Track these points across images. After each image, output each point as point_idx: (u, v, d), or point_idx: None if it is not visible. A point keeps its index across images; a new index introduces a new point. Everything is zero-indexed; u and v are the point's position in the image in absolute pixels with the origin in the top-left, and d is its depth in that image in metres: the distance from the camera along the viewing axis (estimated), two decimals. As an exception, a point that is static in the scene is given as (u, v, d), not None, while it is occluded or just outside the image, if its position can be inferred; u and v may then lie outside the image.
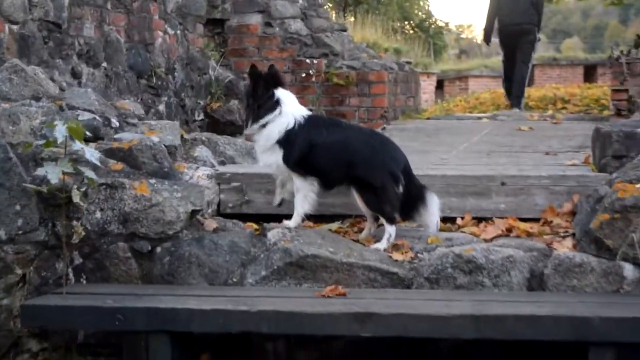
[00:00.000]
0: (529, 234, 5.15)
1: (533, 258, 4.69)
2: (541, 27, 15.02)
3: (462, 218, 5.49)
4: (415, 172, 5.42)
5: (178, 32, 10.26)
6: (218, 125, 10.66)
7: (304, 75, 11.02)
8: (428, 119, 11.87)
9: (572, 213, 5.29)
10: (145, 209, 4.93)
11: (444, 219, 5.48)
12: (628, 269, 4.56)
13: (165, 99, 9.80)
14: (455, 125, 10.72)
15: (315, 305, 4.31)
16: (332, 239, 5.02)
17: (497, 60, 32.99)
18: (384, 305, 4.29)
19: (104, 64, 8.78)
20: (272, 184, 5.61)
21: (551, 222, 5.31)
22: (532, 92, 16.02)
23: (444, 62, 47.08)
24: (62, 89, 6.93)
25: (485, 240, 5.08)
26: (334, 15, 32.67)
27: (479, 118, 11.77)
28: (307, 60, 11.04)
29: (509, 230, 5.27)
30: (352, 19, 27.73)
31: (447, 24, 52.04)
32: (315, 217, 5.62)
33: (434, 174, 5.64)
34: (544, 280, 4.61)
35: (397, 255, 4.90)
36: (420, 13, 50.13)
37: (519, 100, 13.86)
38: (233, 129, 10.84)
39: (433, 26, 48.54)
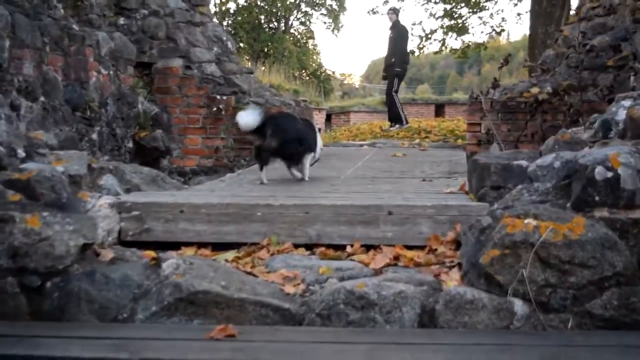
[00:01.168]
0: (417, 264, 3.88)
1: (424, 293, 3.38)
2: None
3: (352, 245, 4.19)
4: (307, 201, 4.35)
5: (111, 72, 8.92)
6: (144, 150, 9.35)
7: (216, 109, 9.67)
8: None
9: (455, 241, 4.04)
10: (35, 242, 3.50)
11: (335, 247, 4.21)
12: (518, 305, 3.28)
13: (98, 128, 8.50)
14: (342, 152, 9.43)
15: (201, 352, 2.96)
16: (225, 271, 3.65)
17: (371, 99, 32.17)
18: (273, 351, 2.95)
19: (42, 98, 7.51)
20: (170, 213, 4.28)
21: (436, 250, 4.04)
22: (400, 124, 15.09)
23: (331, 101, 46.42)
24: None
25: (375, 271, 3.79)
26: (249, 63, 31.45)
27: (361, 145, 10.53)
28: (220, 97, 9.69)
29: (397, 258, 3.99)
30: (263, 67, 26.41)
31: (333, 72, 51.25)
32: (214, 245, 4.30)
33: (325, 204, 4.31)
34: (435, 316, 3.31)
35: (289, 288, 3.57)
36: (313, 64, 49.30)
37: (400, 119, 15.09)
38: (157, 154, 9.53)
39: (323, 74, 47.86)
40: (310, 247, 4.23)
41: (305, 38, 49.29)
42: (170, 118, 9.74)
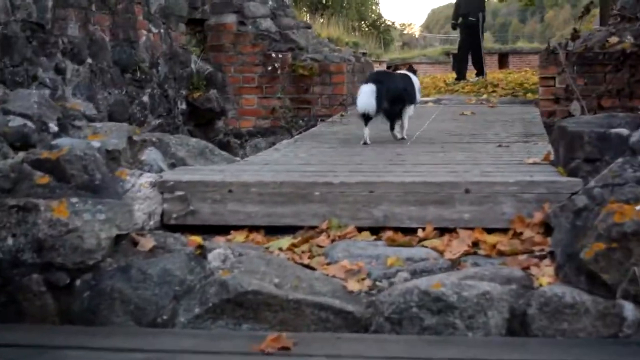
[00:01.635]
0: (500, 252, 3.32)
1: (512, 293, 2.84)
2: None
3: (423, 229, 3.66)
4: (371, 177, 3.86)
5: (161, 30, 8.45)
6: (198, 112, 8.95)
7: (272, 67, 9.14)
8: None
9: (544, 224, 3.47)
10: (62, 235, 3.07)
11: (404, 230, 3.68)
12: (629, 309, 2.72)
13: (149, 90, 8.09)
14: None
15: (250, 372, 2.49)
16: (279, 264, 3.15)
17: (432, 50, 31.28)
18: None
19: (89, 60, 7.10)
20: (218, 193, 3.79)
21: (521, 234, 3.47)
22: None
23: (391, 53, 45.49)
24: (43, 84, 6.00)
25: (451, 261, 3.25)
26: (307, 15, 30.85)
27: (425, 102, 9.87)
28: (276, 54, 9.16)
29: (476, 244, 3.45)
30: (321, 20, 25.69)
31: (393, 22, 50.16)
32: (266, 229, 3.81)
33: (392, 181, 3.76)
34: (527, 322, 2.78)
35: (352, 285, 3.06)
36: (372, 15, 48.31)
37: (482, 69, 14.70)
38: (212, 115, 9.10)
39: (383, 25, 46.84)
40: (376, 230, 3.70)
41: (364, -14, 48.11)
42: (225, 77, 9.25)
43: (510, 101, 9.82)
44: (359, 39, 24.47)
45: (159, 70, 8.32)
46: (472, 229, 3.59)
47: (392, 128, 6.20)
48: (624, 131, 3.56)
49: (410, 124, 6.34)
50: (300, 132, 8.69)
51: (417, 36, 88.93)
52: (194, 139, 4.80)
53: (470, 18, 14.60)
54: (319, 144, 5.90)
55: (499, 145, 5.33)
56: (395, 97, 5.95)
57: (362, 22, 45.92)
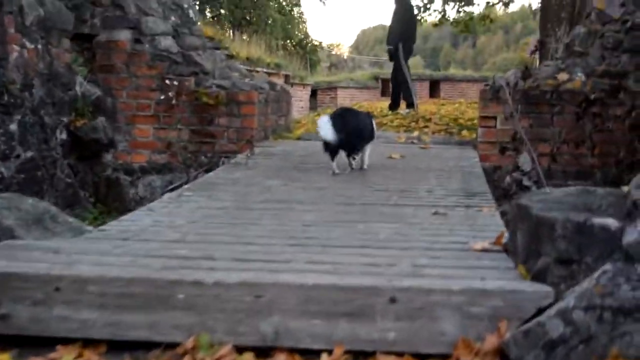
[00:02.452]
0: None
1: None
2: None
3: (330, 352, 2.67)
4: (260, 274, 2.86)
5: (39, 46, 7.33)
6: (82, 143, 7.83)
7: (172, 93, 8.10)
8: (299, 139, 9.00)
9: (499, 352, 2.53)
10: None
11: (304, 353, 2.68)
12: None
13: (19, 117, 6.92)
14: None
15: None
16: None
17: (360, 73, 30.60)
18: None
19: (-63, 82, 5.94)
20: (41, 290, 2.74)
21: (467, 366, 2.53)
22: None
23: (318, 74, 44.87)
24: None
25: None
26: (230, 32, 30.03)
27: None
28: (176, 79, 8.12)
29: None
30: (245, 37, 24.65)
31: (320, 42, 49.44)
32: (109, 344, 2.76)
33: (288, 282, 2.74)
34: None
35: None
36: (299, 34, 47.67)
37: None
38: (98, 147, 8.01)
39: (310, 44, 46.21)
40: (263, 352, 2.69)
41: (290, 5, 47.43)
42: (116, 103, 8.16)
43: (444, 141, 8.96)
44: (282, 60, 23.52)
45: (33, 93, 7.18)
46: (399, 354, 2.62)
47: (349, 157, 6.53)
48: (612, 223, 2.63)
49: (323, 173, 5.38)
50: (200, 173, 7.69)
51: (345, 57, 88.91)
52: (30, 201, 3.67)
53: (389, 47, 14.04)
54: (209, 201, 4.85)
55: (435, 213, 4.38)
56: (357, 136, 6.48)
57: (288, 41, 45.18)
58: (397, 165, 6.72)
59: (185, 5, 8.81)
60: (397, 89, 14.22)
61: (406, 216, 4.29)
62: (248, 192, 5.19)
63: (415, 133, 9.43)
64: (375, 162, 6.83)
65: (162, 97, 8.13)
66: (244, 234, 3.73)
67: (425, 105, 14.02)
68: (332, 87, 28.52)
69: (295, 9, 47.58)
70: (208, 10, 44.62)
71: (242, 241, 3.52)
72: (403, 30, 13.86)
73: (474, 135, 9.95)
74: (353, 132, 6.37)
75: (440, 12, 19.26)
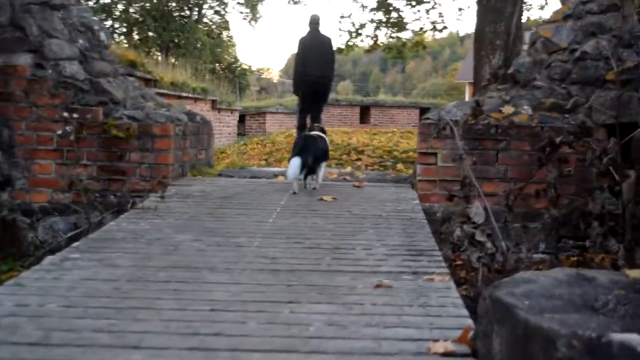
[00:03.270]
0: None
1: None
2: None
3: None
4: None
5: None
6: (-28, 182, 6.83)
7: (77, 125, 7.18)
8: (220, 174, 8.13)
9: None
10: None
11: None
12: None
13: None
14: (248, 191, 6.94)
15: None
16: None
17: (290, 99, 29.84)
18: None
19: None
20: None
21: None
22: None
23: (247, 98, 44.09)
24: None
25: None
26: (158, 54, 29.16)
27: (275, 175, 8.11)
28: (83, 108, 7.19)
29: None
30: (173, 60, 23.62)
31: (250, 66, 48.66)
32: None
33: None
34: None
35: None
36: (228, 57, 46.83)
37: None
38: (-10, 186, 7.03)
39: (239, 68, 45.42)
40: None
41: (219, 29, 46.55)
42: (13, 135, 7.21)
43: (379, 177, 8.20)
44: (208, 85, 22.59)
45: None
46: None
47: (305, 179, 7.09)
48: (636, 340, 1.84)
49: (243, 225, 4.55)
50: (105, 217, 6.77)
51: (275, 81, 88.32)
52: None
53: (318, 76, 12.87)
54: (100, 268, 3.93)
55: (378, 286, 3.56)
56: (315, 158, 7.04)
57: (217, 65, 44.27)
58: (329, 210, 5.91)
59: (96, 27, 7.87)
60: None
61: (342, 290, 3.45)
62: (150, 253, 4.28)
63: (348, 168, 8.63)
64: (305, 206, 6.01)
65: (67, 129, 7.19)
66: (130, 328, 2.83)
67: (356, 134, 13.23)
68: (260, 113, 27.74)
69: (225, 33, 46.72)
70: (136, 32, 43.52)
71: (124, 344, 2.62)
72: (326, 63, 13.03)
73: (410, 171, 9.24)
74: (313, 156, 6.98)
75: (372, 38, 18.60)
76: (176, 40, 42.01)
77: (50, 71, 7.27)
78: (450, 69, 77.27)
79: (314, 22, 13.29)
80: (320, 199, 6.41)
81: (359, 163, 9.79)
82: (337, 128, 24.59)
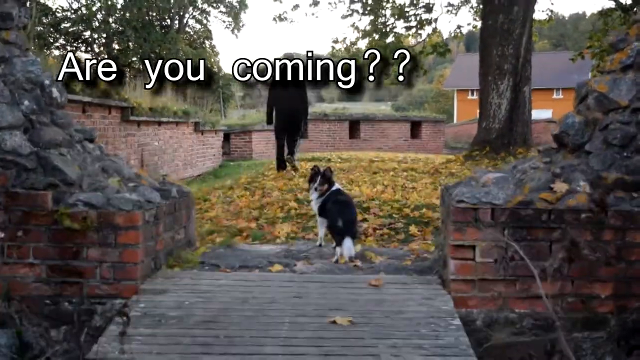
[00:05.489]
0: None
1: None
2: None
3: None
4: None
5: None
6: None
7: (21, 214, 5.60)
8: (202, 263, 6.54)
9: None
10: None
11: None
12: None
13: None
14: (239, 302, 5.31)
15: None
16: None
17: (276, 114, 28.32)
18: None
19: None
20: None
21: None
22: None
23: (232, 109, 42.61)
24: None
25: None
26: (138, 66, 27.64)
27: (271, 263, 6.52)
28: (27, 193, 5.61)
29: None
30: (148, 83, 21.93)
31: (233, 76, 47.05)
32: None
33: None
34: None
35: None
36: (212, 67, 45.24)
37: (293, 154, 14.68)
38: None
39: (222, 78, 43.84)
40: None
41: (201, 38, 44.92)
42: (-61, 228, 5.63)
43: (397, 263, 6.65)
44: (190, 107, 21.00)
45: None
46: None
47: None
48: None
49: None
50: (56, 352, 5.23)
51: (259, 87, 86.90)
52: None
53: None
54: None
55: None
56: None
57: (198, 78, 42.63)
58: (345, 348, 4.37)
59: (47, 82, 6.30)
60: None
61: None
62: None
63: (357, 246, 7.09)
64: (312, 339, 4.48)
65: (8, 220, 5.61)
66: None
67: (359, 185, 11.59)
68: (246, 131, 26.29)
69: (207, 42, 45.11)
70: (115, 42, 41.81)
71: None
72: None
73: (427, 239, 7.76)
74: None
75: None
76: (157, 51, 40.37)
77: (-15, 146, 5.69)
78: (436, 75, 75.63)
79: (288, 60, 14.63)
80: (333, 322, 4.85)
81: (365, 225, 8.26)
82: (327, 153, 23.07)
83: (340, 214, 6.75)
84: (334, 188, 7.09)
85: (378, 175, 13.10)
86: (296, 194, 10.26)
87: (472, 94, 61.20)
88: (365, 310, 5.16)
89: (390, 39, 16.83)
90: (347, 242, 6.61)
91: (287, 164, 14.56)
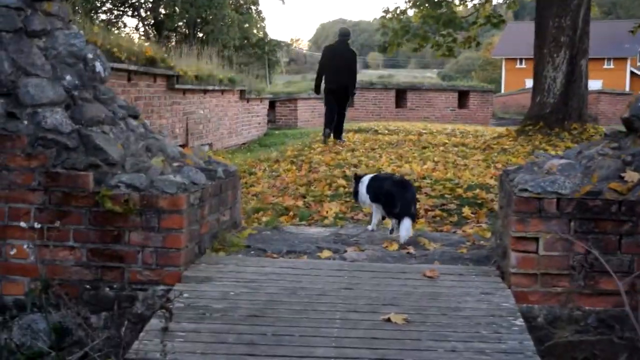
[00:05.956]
0: None
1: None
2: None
3: None
4: None
5: None
6: None
7: (62, 194, 5.36)
8: (248, 247, 6.26)
9: None
10: None
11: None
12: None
13: None
14: (288, 294, 5.00)
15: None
16: None
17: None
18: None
19: None
20: None
21: None
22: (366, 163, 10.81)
23: (276, 73, 42.32)
24: None
25: None
26: (185, 33, 27.47)
27: (319, 249, 6.22)
28: (67, 173, 5.36)
29: None
30: (194, 49, 21.67)
31: (279, 42, 46.67)
32: None
33: None
34: None
35: None
36: (259, 32, 44.90)
37: (341, 134, 15.85)
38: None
39: (267, 45, 43.47)
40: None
41: (248, 3, 44.49)
42: (-23, 208, 5.42)
43: (452, 251, 6.30)
44: (236, 74, 20.71)
45: None
46: None
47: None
48: None
49: None
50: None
51: (305, 52, 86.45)
52: None
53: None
54: None
55: None
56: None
57: (246, 41, 42.34)
58: (403, 351, 4.06)
59: (90, 56, 6.03)
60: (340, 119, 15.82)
61: None
62: None
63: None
64: (365, 340, 4.18)
65: (48, 201, 5.37)
66: None
67: (410, 161, 11.22)
68: (291, 99, 25.94)
69: (253, 7, 44.67)
70: (162, 7, 41.58)
71: None
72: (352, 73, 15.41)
73: (481, 221, 7.41)
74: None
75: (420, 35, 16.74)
76: (203, 16, 40.10)
77: (25, 123, 5.44)
78: (485, 43, 74.02)
79: (343, 35, 15.68)
80: (387, 320, 4.54)
81: (417, 206, 7.91)
82: (374, 123, 22.67)
83: (397, 196, 6.46)
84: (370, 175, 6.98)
85: (428, 150, 12.70)
86: (344, 170, 9.93)
87: (521, 63, 60.10)
88: (420, 305, 4.83)
89: (442, 9, 16.29)
90: (406, 222, 6.33)
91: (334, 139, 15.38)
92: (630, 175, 5.29)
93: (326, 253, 6.06)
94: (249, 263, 5.73)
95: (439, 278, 5.43)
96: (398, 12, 17.36)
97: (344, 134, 16.24)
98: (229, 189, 6.56)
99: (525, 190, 5.22)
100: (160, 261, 5.35)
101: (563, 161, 5.65)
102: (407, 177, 9.05)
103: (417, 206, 8.00)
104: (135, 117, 6.34)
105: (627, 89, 54.13)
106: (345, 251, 6.15)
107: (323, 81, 15.81)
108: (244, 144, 21.07)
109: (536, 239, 5.20)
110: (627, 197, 5.17)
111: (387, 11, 17.28)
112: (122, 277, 5.39)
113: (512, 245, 5.24)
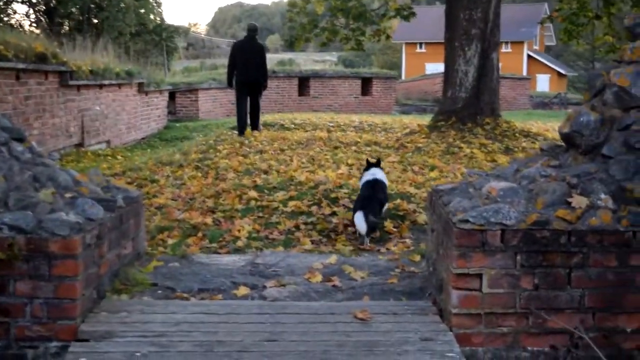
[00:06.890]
0: None
1: None
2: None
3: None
4: None
5: None
6: None
7: None
8: (155, 285, 5.50)
9: None
10: None
11: None
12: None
13: None
14: (200, 345, 4.32)
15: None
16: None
17: (223, 71, 27.16)
18: None
19: None
20: None
21: None
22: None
23: (175, 62, 41.15)
24: None
25: None
26: (77, 40, 26.14)
27: (235, 285, 5.51)
28: (-62, 215, 4.55)
29: None
30: (89, 39, 20.47)
31: (177, 28, 45.40)
32: None
33: None
34: None
35: None
36: (156, 18, 43.52)
37: (258, 124, 16.36)
38: None
39: (165, 31, 42.19)
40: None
41: (144, -11, 43.01)
42: None
43: (382, 283, 5.71)
44: (133, 67, 19.70)
45: None
46: None
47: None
48: None
49: None
50: None
51: (203, 36, 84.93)
52: None
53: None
54: None
55: None
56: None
57: (142, 27, 40.93)
58: None
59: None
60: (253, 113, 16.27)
61: None
62: None
63: (332, 257, 6.17)
64: None
65: None
66: None
67: (323, 165, 10.56)
68: (192, 89, 25.04)
69: (149, -7, 43.25)
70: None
71: None
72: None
73: (400, 228, 6.89)
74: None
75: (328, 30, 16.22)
76: (98, 2, 38.54)
77: None
78: (383, 26, 73.68)
79: (252, 30, 16.19)
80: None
81: (335, 220, 7.36)
82: (278, 115, 22.05)
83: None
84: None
85: (340, 150, 12.08)
86: (255, 180, 9.22)
87: (421, 47, 60.30)
88: (354, 352, 4.22)
89: (352, 2, 15.74)
90: (356, 217, 6.95)
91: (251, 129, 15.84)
92: (578, 201, 4.80)
93: (243, 290, 5.38)
94: (156, 309, 4.99)
95: (372, 320, 4.83)
96: (301, 2, 16.76)
97: (260, 123, 16.82)
98: (131, 218, 5.79)
99: (467, 221, 4.66)
100: (52, 314, 4.57)
101: (503, 184, 5.11)
102: (324, 187, 8.49)
103: (336, 221, 7.47)
104: (21, 140, 5.50)
105: (525, 72, 55.07)
106: (265, 287, 5.48)
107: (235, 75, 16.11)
108: (143, 138, 20.13)
109: (479, 275, 4.66)
110: (576, 227, 4.69)
111: (294, 5, 16.66)
112: (8, 333, 4.59)
113: (452, 282, 4.68)
